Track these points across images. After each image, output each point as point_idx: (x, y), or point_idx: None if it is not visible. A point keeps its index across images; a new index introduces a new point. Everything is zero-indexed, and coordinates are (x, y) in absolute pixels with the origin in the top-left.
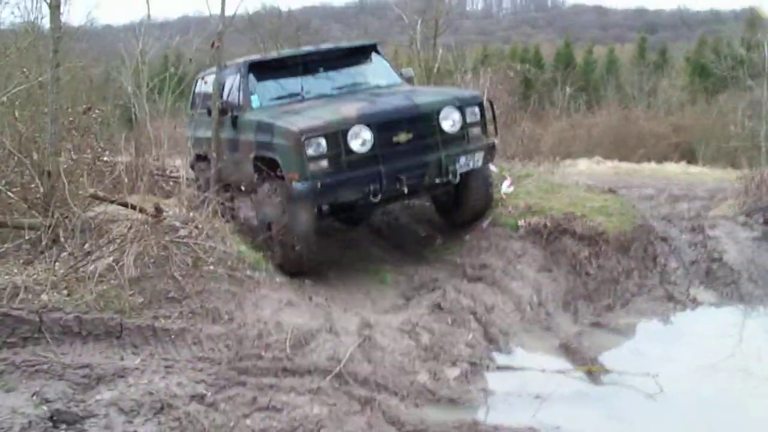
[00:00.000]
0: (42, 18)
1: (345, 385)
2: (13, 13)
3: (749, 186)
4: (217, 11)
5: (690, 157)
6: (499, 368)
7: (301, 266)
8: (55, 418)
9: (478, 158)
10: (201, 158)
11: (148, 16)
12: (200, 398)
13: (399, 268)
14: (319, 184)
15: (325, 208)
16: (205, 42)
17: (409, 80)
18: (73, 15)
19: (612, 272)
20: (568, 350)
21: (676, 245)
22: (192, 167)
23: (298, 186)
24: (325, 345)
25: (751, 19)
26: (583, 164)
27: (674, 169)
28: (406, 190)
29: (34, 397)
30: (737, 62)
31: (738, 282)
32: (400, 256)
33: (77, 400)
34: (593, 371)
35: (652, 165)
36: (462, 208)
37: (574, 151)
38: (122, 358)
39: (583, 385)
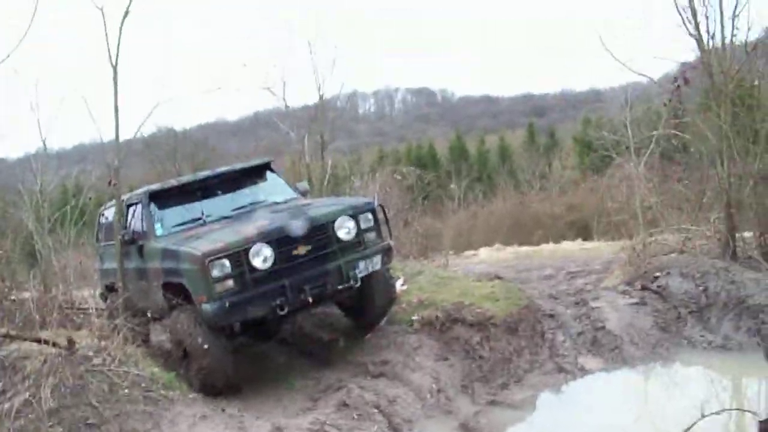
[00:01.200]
0: None
1: None
2: None
3: (631, 256)
4: (111, 137)
5: (585, 234)
6: None
7: (219, 387)
8: None
9: (377, 261)
10: (110, 289)
11: (44, 147)
12: None
13: (306, 373)
14: (227, 304)
15: (236, 326)
16: (104, 171)
17: (304, 193)
18: None
19: (503, 352)
20: (467, 430)
21: (562, 320)
22: (103, 298)
23: (206, 307)
24: None
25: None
26: (484, 253)
27: (571, 246)
28: (310, 300)
29: None
30: (613, 140)
31: (620, 346)
32: (306, 362)
33: None
34: None
35: (550, 245)
36: (367, 309)
37: (475, 241)
38: None
39: None
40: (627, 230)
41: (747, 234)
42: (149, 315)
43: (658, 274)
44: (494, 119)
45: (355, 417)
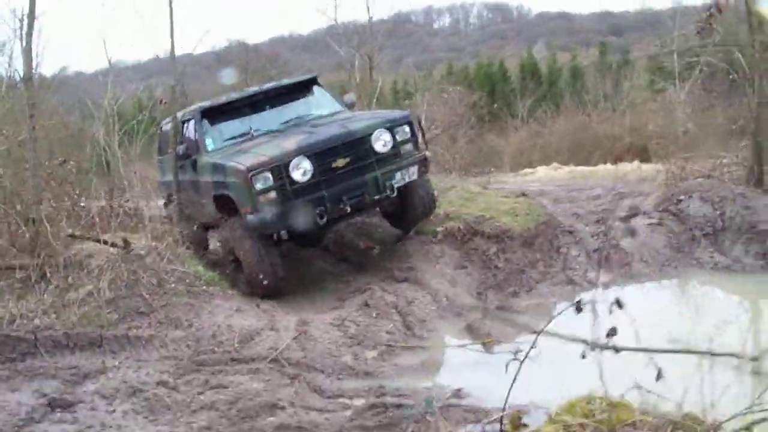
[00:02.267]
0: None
1: (280, 367)
2: None
3: (667, 179)
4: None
5: (645, 156)
6: (411, 348)
7: (265, 290)
8: (51, 405)
9: (413, 172)
10: (170, 199)
11: (109, 63)
12: (164, 383)
13: (340, 277)
14: (269, 214)
15: (283, 234)
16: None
17: (351, 106)
18: (47, 65)
19: (518, 264)
20: (471, 330)
21: (580, 237)
22: (165, 207)
23: (251, 218)
24: (267, 339)
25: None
26: (541, 171)
27: (628, 168)
28: (349, 210)
29: (35, 393)
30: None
31: (631, 263)
32: (343, 267)
33: (68, 392)
34: (486, 343)
35: (608, 166)
36: (408, 216)
37: (535, 159)
38: (103, 361)
39: (478, 356)
40: (667, 154)
41: None
42: (206, 224)
43: (681, 197)
44: (570, 37)
45: (374, 315)
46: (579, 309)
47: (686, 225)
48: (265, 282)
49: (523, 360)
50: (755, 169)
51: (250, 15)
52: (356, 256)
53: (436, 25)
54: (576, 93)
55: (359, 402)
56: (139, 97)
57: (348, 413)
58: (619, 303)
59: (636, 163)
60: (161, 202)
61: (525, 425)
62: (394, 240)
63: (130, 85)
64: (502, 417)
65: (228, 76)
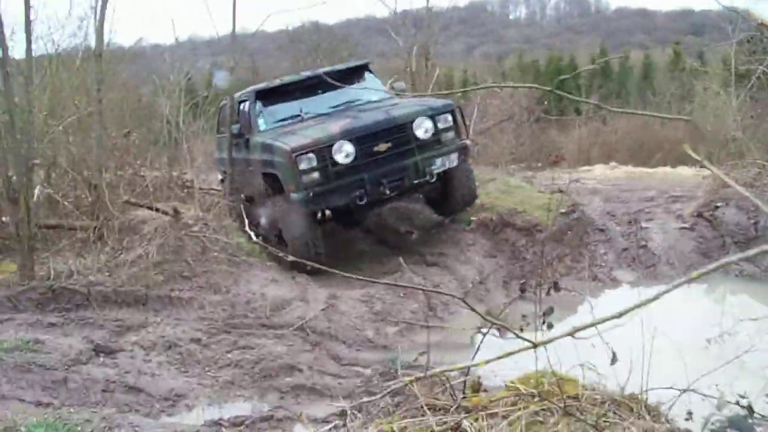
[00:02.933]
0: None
1: (304, 335)
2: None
3: (712, 185)
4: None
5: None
6: (431, 327)
7: (306, 266)
8: (96, 350)
9: (453, 158)
10: (226, 174)
11: (176, 40)
12: (197, 341)
13: (377, 257)
14: (311, 194)
15: (327, 213)
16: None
17: (401, 92)
18: (125, 35)
19: (546, 257)
20: (490, 315)
21: (610, 236)
22: (221, 181)
23: (294, 196)
24: (297, 309)
25: None
26: (598, 170)
27: (686, 172)
28: (388, 193)
29: (83, 339)
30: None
31: (657, 264)
32: (381, 250)
33: (112, 341)
34: (500, 327)
35: (666, 169)
36: (448, 201)
37: (594, 157)
38: (146, 317)
39: (491, 339)
40: (716, 161)
41: None
42: (255, 199)
43: (719, 204)
44: (647, 34)
45: (401, 295)
46: (523, 290)
47: (718, 231)
48: (305, 256)
49: (485, 334)
50: None
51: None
52: (395, 239)
53: (512, 16)
54: (641, 93)
55: (371, 371)
56: (211, 72)
57: (359, 380)
58: (545, 314)
59: (696, 167)
60: (219, 177)
61: (485, 390)
62: (431, 226)
63: (201, 60)
64: (465, 381)
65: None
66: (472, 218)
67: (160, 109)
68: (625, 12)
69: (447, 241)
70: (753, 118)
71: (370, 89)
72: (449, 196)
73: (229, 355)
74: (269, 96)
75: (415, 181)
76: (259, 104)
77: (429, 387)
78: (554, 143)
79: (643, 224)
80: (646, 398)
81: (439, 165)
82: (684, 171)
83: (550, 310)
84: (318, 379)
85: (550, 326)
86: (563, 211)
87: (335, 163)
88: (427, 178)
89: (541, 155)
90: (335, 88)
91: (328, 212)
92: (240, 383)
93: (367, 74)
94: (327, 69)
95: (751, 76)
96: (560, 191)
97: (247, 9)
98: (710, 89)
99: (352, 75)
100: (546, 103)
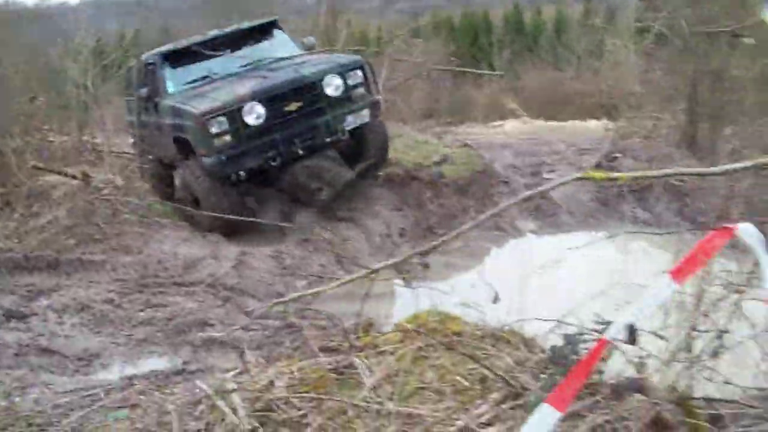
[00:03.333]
0: None
1: (215, 291)
2: None
3: (614, 137)
4: None
5: (617, 114)
6: (338, 279)
7: (223, 228)
8: (7, 315)
9: (365, 115)
10: (140, 138)
11: None
12: (110, 301)
13: (289, 215)
14: (224, 157)
15: (241, 174)
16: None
17: (310, 48)
18: None
19: (450, 209)
20: (397, 266)
21: (514, 187)
22: (133, 144)
23: (207, 161)
24: (208, 267)
25: None
26: (509, 125)
27: (596, 125)
28: (301, 152)
29: None
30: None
31: (557, 214)
32: (293, 206)
33: (24, 305)
34: (406, 278)
35: (576, 122)
36: (362, 158)
37: (507, 112)
38: (58, 281)
39: (397, 288)
40: (617, 113)
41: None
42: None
43: (617, 155)
44: None
45: (310, 250)
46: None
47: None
48: (221, 219)
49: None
50: (688, 131)
51: None
52: (307, 197)
53: None
54: (551, 48)
55: (279, 322)
56: (122, 33)
57: (268, 332)
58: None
59: (604, 120)
60: (131, 140)
61: (376, 332)
62: (342, 183)
63: (112, 21)
64: (357, 323)
65: None
66: (380, 173)
67: (69, 72)
68: None
69: (357, 196)
70: (648, 72)
71: (280, 46)
72: (362, 153)
73: (141, 314)
74: (177, 57)
75: (328, 139)
76: (166, 66)
77: (325, 332)
78: (469, 99)
79: (546, 176)
80: (524, 332)
81: (351, 122)
82: (592, 124)
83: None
84: (229, 333)
85: (426, 266)
86: (436, 160)
87: (246, 125)
88: (339, 135)
89: (454, 111)
90: (243, 46)
91: (242, 173)
92: (153, 340)
93: (275, 31)
94: (234, 28)
95: (649, 32)
96: (465, 145)
97: None
98: (617, 45)
99: (261, 33)
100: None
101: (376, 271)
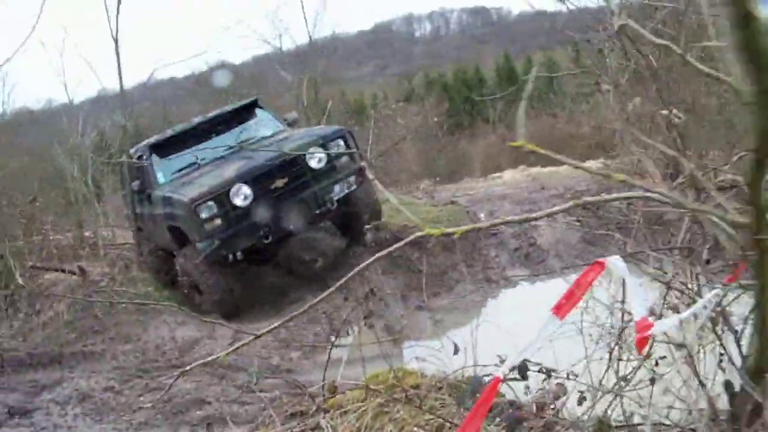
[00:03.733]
0: None
1: (212, 369)
2: None
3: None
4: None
5: (611, 153)
6: (333, 346)
7: (226, 311)
8: (10, 412)
9: (351, 182)
10: (139, 229)
11: (71, 102)
12: (111, 389)
13: (284, 290)
14: (217, 240)
15: (238, 255)
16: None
17: (293, 123)
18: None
19: (440, 267)
20: (387, 329)
21: (502, 238)
22: (134, 236)
23: (201, 246)
24: (205, 347)
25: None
26: (507, 175)
27: (593, 166)
28: (292, 227)
29: None
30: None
31: (546, 259)
32: (289, 280)
33: (27, 401)
34: (396, 339)
35: None
36: (355, 224)
37: (503, 163)
38: (61, 374)
39: (388, 350)
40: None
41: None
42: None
43: (603, 194)
44: (550, 37)
45: (304, 321)
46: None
47: (602, 220)
48: (223, 303)
49: (331, 348)
50: (671, 163)
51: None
52: (302, 268)
53: (417, 33)
54: (544, 94)
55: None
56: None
57: (262, 404)
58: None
59: (601, 160)
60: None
61: (340, 392)
62: (334, 251)
63: (117, 113)
64: (323, 385)
65: (221, 77)
66: (368, 238)
67: (69, 171)
68: (526, 16)
69: (347, 263)
70: (623, 111)
71: (263, 125)
72: (354, 219)
73: (141, 399)
74: (164, 147)
75: (317, 211)
76: (154, 157)
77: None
78: (465, 154)
79: (533, 223)
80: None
81: (338, 191)
82: (589, 165)
83: (371, 314)
84: (226, 409)
85: (371, 326)
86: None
87: (235, 207)
88: (329, 205)
89: (449, 168)
90: (227, 129)
91: (238, 254)
92: (153, 422)
93: (257, 110)
94: (217, 112)
95: (625, 73)
96: (452, 203)
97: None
98: (604, 85)
99: (244, 113)
100: (453, 117)
101: (263, 334)
